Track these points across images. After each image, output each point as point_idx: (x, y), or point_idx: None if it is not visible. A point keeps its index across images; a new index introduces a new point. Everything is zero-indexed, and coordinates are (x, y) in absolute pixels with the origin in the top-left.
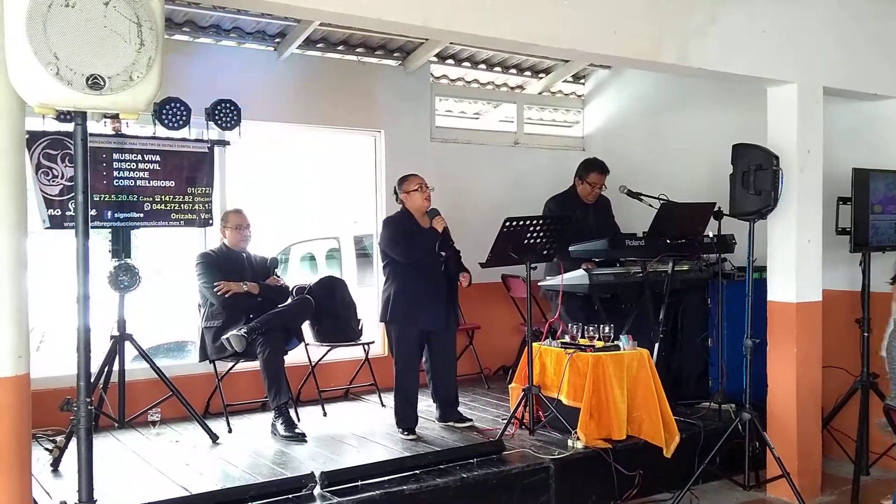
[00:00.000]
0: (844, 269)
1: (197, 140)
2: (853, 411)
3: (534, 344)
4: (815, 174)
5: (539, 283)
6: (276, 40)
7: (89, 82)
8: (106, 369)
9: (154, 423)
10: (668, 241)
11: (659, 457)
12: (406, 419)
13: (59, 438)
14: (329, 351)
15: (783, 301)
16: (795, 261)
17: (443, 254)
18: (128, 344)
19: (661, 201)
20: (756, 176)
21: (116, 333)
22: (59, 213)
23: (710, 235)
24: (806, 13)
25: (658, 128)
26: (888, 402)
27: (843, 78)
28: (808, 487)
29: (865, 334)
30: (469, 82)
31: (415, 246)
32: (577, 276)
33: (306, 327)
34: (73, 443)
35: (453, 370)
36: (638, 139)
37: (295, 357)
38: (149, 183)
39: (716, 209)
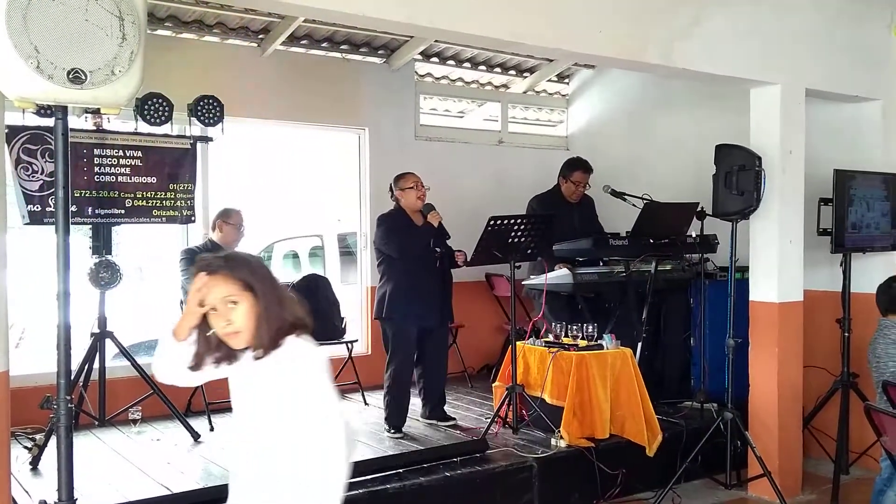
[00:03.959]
0: (825, 269)
1: (179, 136)
2: (833, 411)
3: (517, 343)
4: (796, 175)
5: (523, 283)
6: (260, 36)
7: (70, 76)
8: (86, 367)
9: (135, 422)
10: (652, 241)
11: (641, 456)
12: (397, 417)
13: (38, 437)
14: None
15: (765, 301)
16: (777, 261)
17: (437, 250)
18: (108, 341)
19: (645, 201)
20: (738, 176)
21: (97, 331)
22: (39, 208)
23: (693, 235)
24: (788, 15)
25: (642, 128)
26: (869, 402)
27: (826, 80)
28: (789, 486)
29: (846, 334)
30: (454, 81)
31: (410, 242)
32: (560, 276)
33: None
34: (52, 441)
35: (444, 368)
36: (622, 139)
37: None
38: (130, 179)
39: (699, 209)
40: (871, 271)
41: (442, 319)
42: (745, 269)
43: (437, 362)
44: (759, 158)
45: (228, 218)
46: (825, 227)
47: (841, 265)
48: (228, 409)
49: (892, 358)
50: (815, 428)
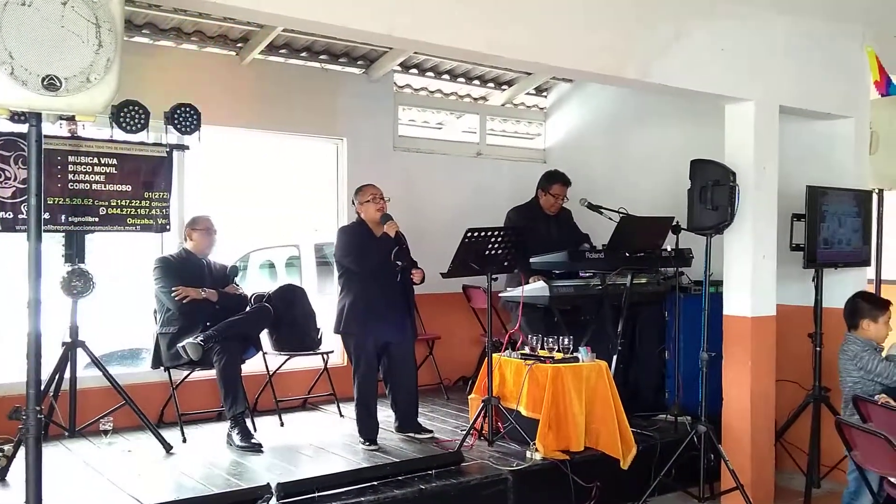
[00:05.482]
0: (798, 284)
1: (155, 144)
2: (805, 424)
3: (494, 355)
4: (770, 191)
5: (499, 294)
6: (239, 45)
7: (45, 83)
8: (57, 376)
9: (106, 433)
10: (627, 255)
11: (616, 469)
12: (367, 429)
13: (6, 447)
14: (287, 360)
15: (738, 315)
16: (751, 276)
17: (398, 263)
18: (80, 351)
19: (621, 214)
20: (713, 191)
21: (68, 340)
22: (11, 215)
23: (668, 249)
24: (764, 33)
25: (618, 141)
26: (840, 416)
27: (799, 97)
28: (762, 499)
29: (818, 349)
30: (433, 92)
31: (367, 254)
32: (537, 288)
33: (264, 336)
34: (21, 452)
35: (413, 381)
36: (598, 152)
37: (252, 366)
38: (104, 187)
39: (674, 223)
40: (842, 286)
41: (403, 333)
42: (719, 284)
43: (403, 376)
44: (734, 174)
45: (196, 224)
46: (798, 243)
47: (813, 280)
48: (202, 420)
49: (849, 373)
50: (787, 441)
